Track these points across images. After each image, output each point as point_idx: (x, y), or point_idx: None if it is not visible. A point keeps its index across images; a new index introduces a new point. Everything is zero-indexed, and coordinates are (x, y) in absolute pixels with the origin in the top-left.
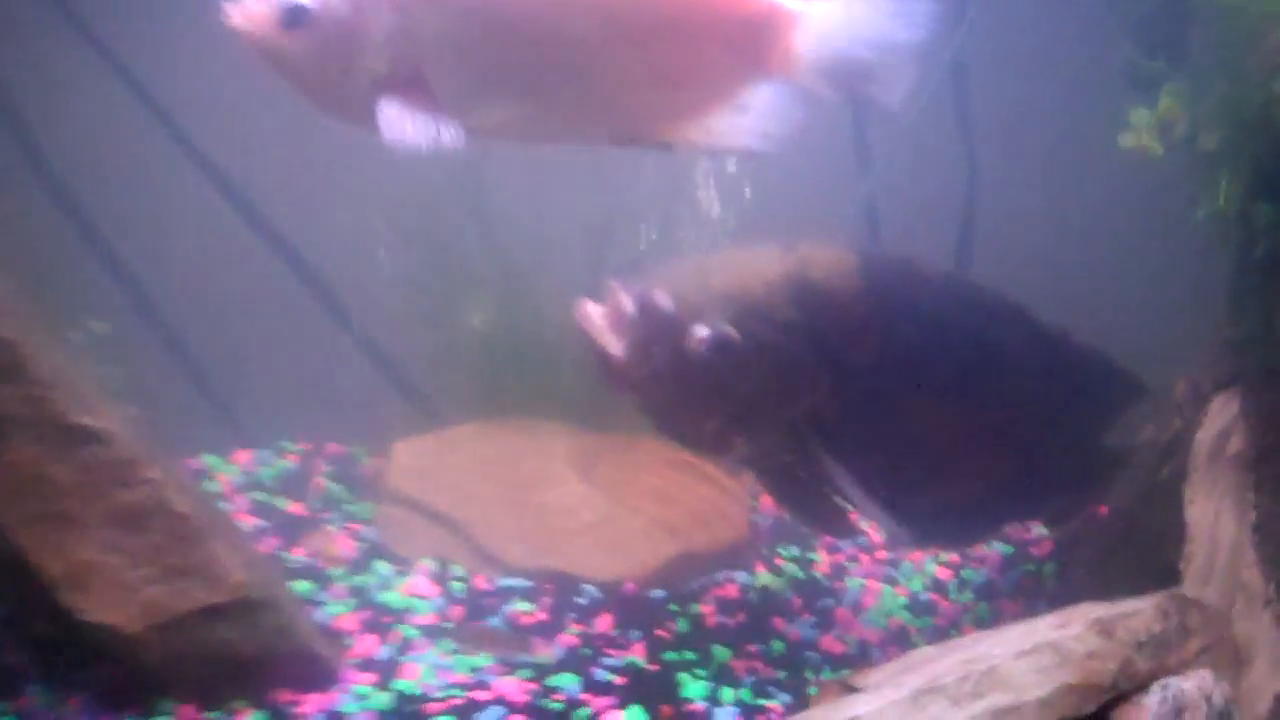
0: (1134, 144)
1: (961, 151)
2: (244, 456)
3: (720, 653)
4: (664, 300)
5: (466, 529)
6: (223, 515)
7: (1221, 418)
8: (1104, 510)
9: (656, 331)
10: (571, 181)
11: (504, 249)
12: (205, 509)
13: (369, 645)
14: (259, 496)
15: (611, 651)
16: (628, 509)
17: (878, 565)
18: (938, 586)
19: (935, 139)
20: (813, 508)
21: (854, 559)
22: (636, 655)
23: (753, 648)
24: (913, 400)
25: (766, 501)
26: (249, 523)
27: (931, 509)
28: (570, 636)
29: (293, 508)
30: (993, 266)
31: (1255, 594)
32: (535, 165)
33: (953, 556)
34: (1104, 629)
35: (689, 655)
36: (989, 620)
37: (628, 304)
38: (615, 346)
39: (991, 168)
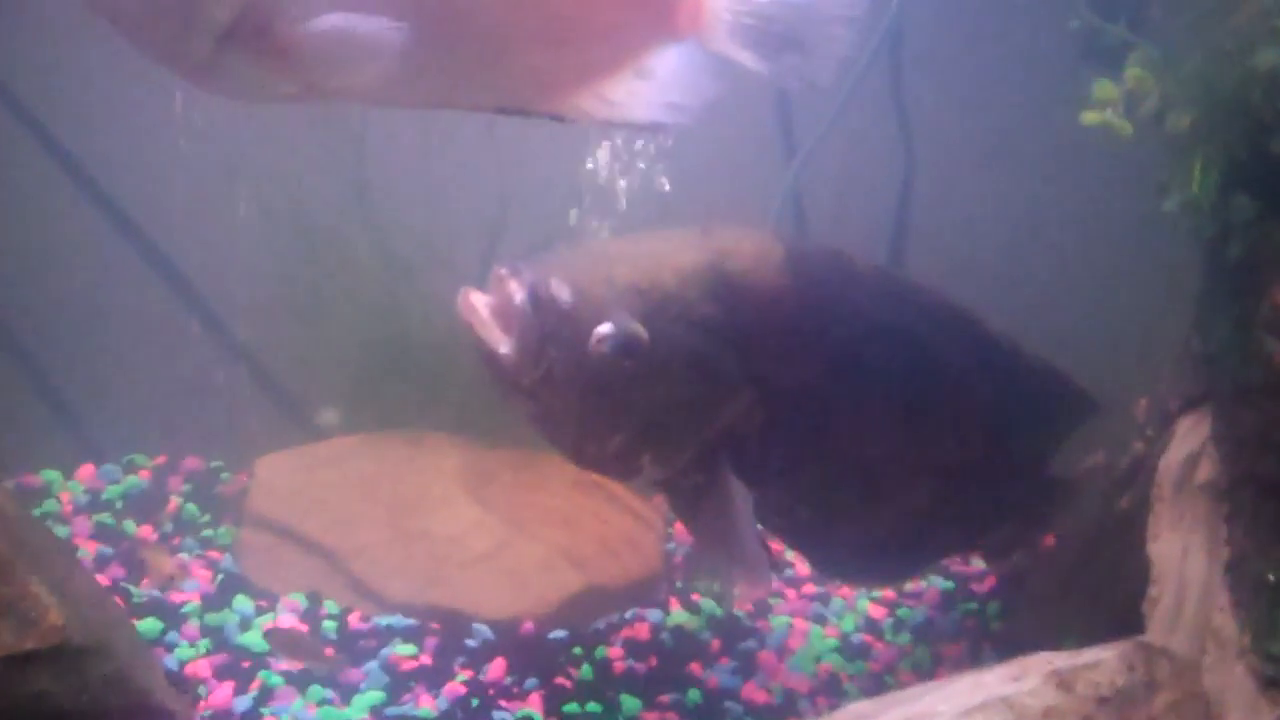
0: (1099, 121)
1: (896, 133)
2: (88, 472)
3: (629, 704)
4: (560, 291)
5: (341, 558)
6: (53, 542)
7: (1189, 441)
8: (1051, 542)
9: (551, 328)
10: (465, 160)
11: (388, 234)
12: (25, 535)
13: (224, 695)
14: (104, 519)
15: (505, 703)
16: (526, 536)
17: (804, 601)
18: (871, 627)
19: (868, 118)
20: (729, 537)
21: (778, 594)
22: (533, 708)
23: (666, 698)
24: (843, 415)
25: (681, 528)
26: (90, 549)
27: (861, 539)
28: (457, 685)
29: (142, 531)
30: (930, 265)
31: (1228, 642)
32: (425, 140)
33: (887, 593)
34: (1063, 682)
35: (593, 708)
36: (928, 666)
37: (518, 295)
38: (503, 344)
39: (931, 152)
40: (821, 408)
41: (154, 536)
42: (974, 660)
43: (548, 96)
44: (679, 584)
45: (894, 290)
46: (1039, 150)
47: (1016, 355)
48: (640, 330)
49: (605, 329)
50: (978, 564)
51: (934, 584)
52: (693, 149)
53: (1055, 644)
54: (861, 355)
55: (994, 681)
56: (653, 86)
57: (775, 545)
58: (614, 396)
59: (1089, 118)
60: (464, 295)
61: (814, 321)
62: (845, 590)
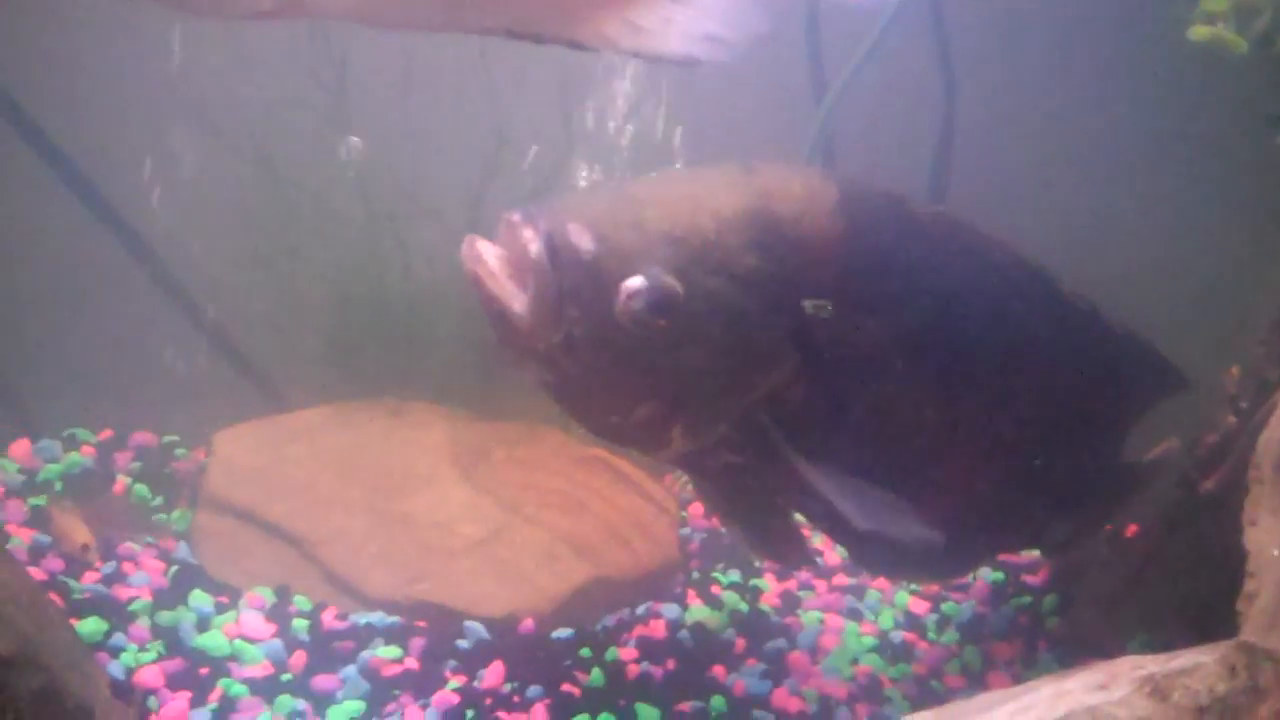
0: (1207, 37)
1: (937, 70)
2: (23, 449)
3: (646, 714)
4: (582, 240)
5: (312, 546)
6: None
7: None
8: (1113, 531)
9: (571, 283)
10: (454, 94)
11: (367, 175)
12: None
13: (178, 708)
14: (39, 502)
15: (504, 715)
16: (524, 520)
17: (837, 595)
18: (913, 623)
19: (906, 53)
20: (761, 524)
21: (808, 586)
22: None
23: (686, 706)
24: (897, 386)
25: (696, 511)
26: (23, 538)
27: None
28: (448, 694)
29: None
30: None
31: None
32: (409, 68)
33: (930, 585)
34: (1156, 690)
35: (606, 718)
36: (979, 668)
37: (533, 245)
38: (516, 302)
39: (977, 86)
40: (873, 378)
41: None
42: (1029, 662)
43: (567, 19)
44: (697, 574)
45: (959, 241)
46: (1108, 83)
47: (1095, 321)
48: (675, 284)
49: (635, 283)
50: (1030, 552)
51: (981, 575)
52: (710, 87)
53: (1121, 644)
54: (921, 317)
55: (1077, 690)
56: (691, 14)
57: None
58: (644, 361)
59: (1198, 33)
60: (469, 244)
61: (871, 276)
62: (881, 581)
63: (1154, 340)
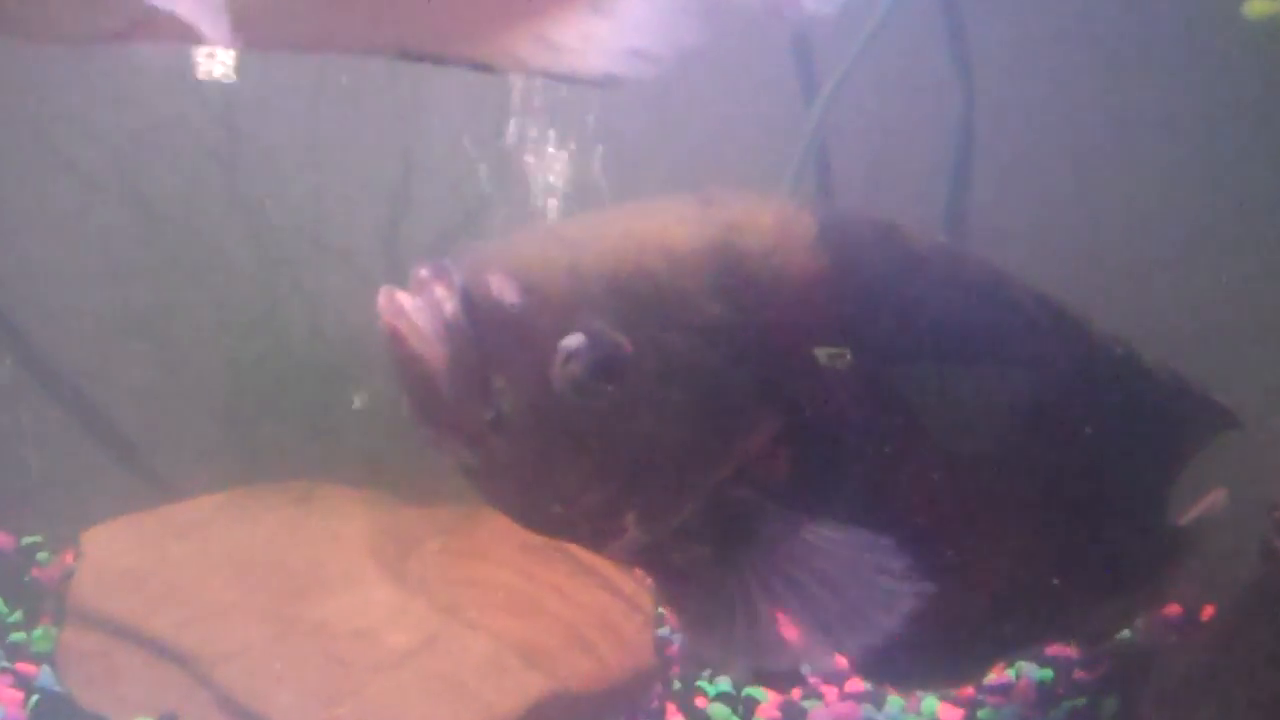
0: (1267, 12)
1: (951, 67)
2: None
3: None
4: (506, 292)
5: (206, 666)
6: None
7: None
8: (1175, 613)
9: (495, 346)
10: (359, 124)
11: (262, 215)
12: None
13: None
14: None
15: None
16: (464, 625)
17: (850, 704)
18: None
19: (914, 46)
20: (738, 631)
21: (814, 694)
22: None
23: None
24: (898, 454)
25: None
26: None
27: (918, 624)
28: None
29: None
30: (999, 243)
31: None
32: (310, 103)
33: (963, 688)
34: None
35: None
36: None
37: (447, 302)
38: (437, 367)
39: (996, 95)
40: (868, 445)
41: None
42: None
43: (471, 37)
44: (678, 683)
45: (968, 279)
46: (1149, 82)
47: (1130, 365)
48: (622, 341)
49: (573, 342)
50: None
51: (1026, 673)
52: (674, 98)
53: None
54: (923, 369)
55: None
56: (613, 27)
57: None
58: (589, 437)
59: (1255, 8)
60: (385, 296)
61: (861, 324)
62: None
63: (1197, 375)
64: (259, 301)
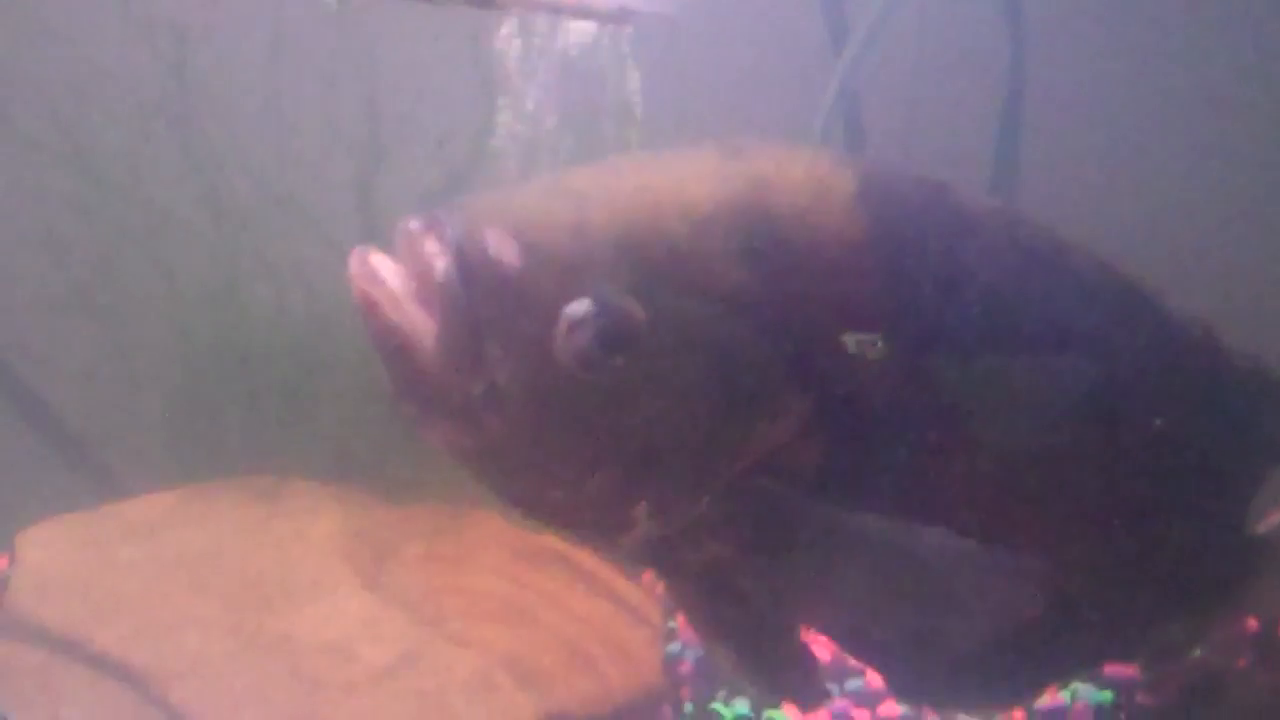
0: None
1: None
2: None
3: None
4: (508, 251)
5: (158, 684)
6: None
7: None
8: (1252, 631)
9: (492, 311)
10: (330, 70)
11: (218, 170)
12: None
13: None
14: None
15: None
16: (449, 639)
17: None
18: None
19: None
20: (760, 643)
21: (842, 717)
22: None
23: None
24: (944, 444)
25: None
26: None
27: (968, 641)
28: None
29: None
30: (1049, 207)
31: None
32: (273, 47)
33: (1014, 713)
34: None
35: None
36: None
37: (439, 260)
38: (420, 337)
39: (1047, 51)
40: (911, 435)
41: None
42: None
43: None
44: (690, 705)
45: (1028, 248)
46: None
47: (1209, 349)
48: (634, 310)
49: (579, 309)
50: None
51: (1082, 695)
52: (692, 38)
53: None
54: (976, 352)
55: None
56: None
57: (820, 645)
58: (594, 415)
59: None
60: (359, 259)
61: (905, 296)
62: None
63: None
64: (217, 272)
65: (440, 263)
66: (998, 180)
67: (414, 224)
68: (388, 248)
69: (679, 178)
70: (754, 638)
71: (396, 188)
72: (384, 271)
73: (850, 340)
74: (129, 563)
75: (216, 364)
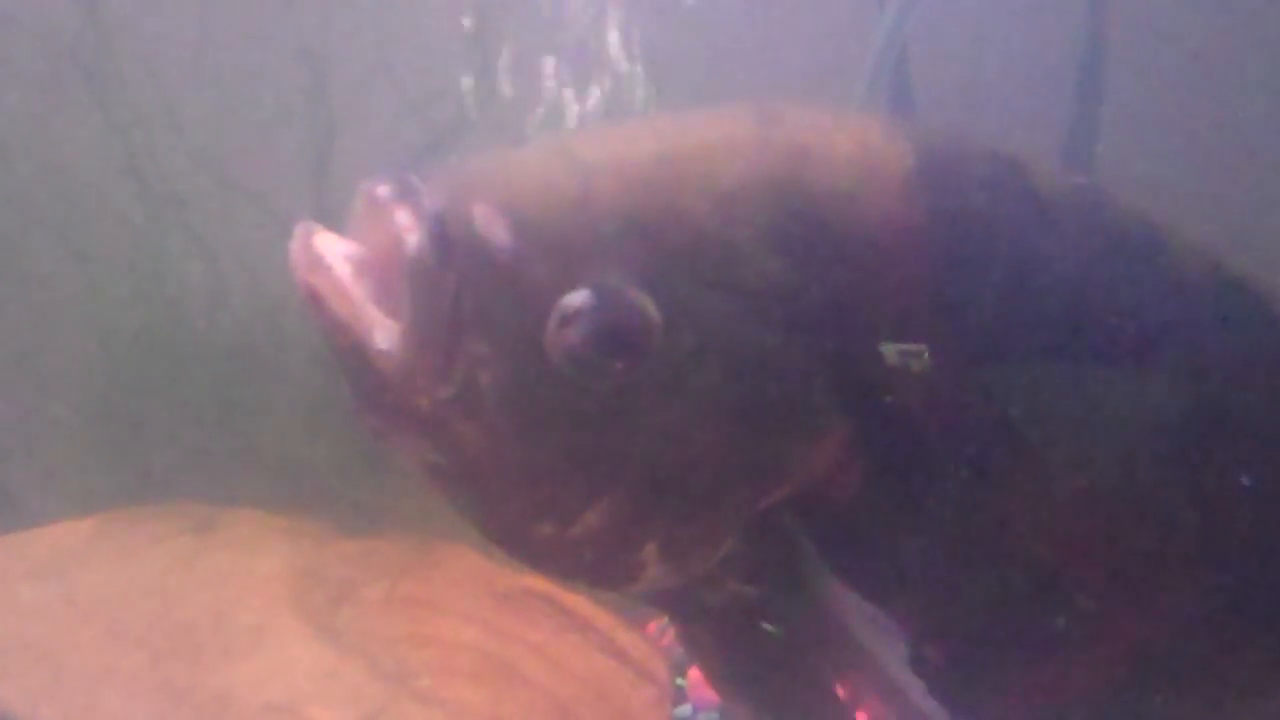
0: None
1: None
2: None
3: None
4: (495, 228)
5: None
6: None
7: None
8: None
9: (477, 300)
10: (280, 22)
11: (146, 145)
12: None
13: None
14: None
15: None
16: (414, 698)
17: None
18: None
19: None
20: (787, 702)
21: None
22: None
23: None
24: (1017, 470)
25: (698, 677)
26: None
27: (1052, 703)
28: None
29: None
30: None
31: None
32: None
33: None
34: None
35: None
36: None
37: (411, 235)
38: (384, 332)
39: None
40: (973, 460)
41: None
42: None
43: None
44: None
45: (1118, 237)
46: None
47: None
48: (643, 303)
49: (576, 300)
50: None
51: None
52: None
53: None
54: (1055, 362)
55: None
56: None
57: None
58: (593, 431)
59: None
60: (302, 239)
61: (971, 293)
62: None
63: None
64: (143, 258)
65: (412, 238)
66: (1073, 149)
67: (381, 189)
68: (341, 225)
69: (704, 147)
70: (783, 697)
71: (360, 155)
72: (331, 256)
73: (894, 351)
74: (36, 605)
75: (141, 366)
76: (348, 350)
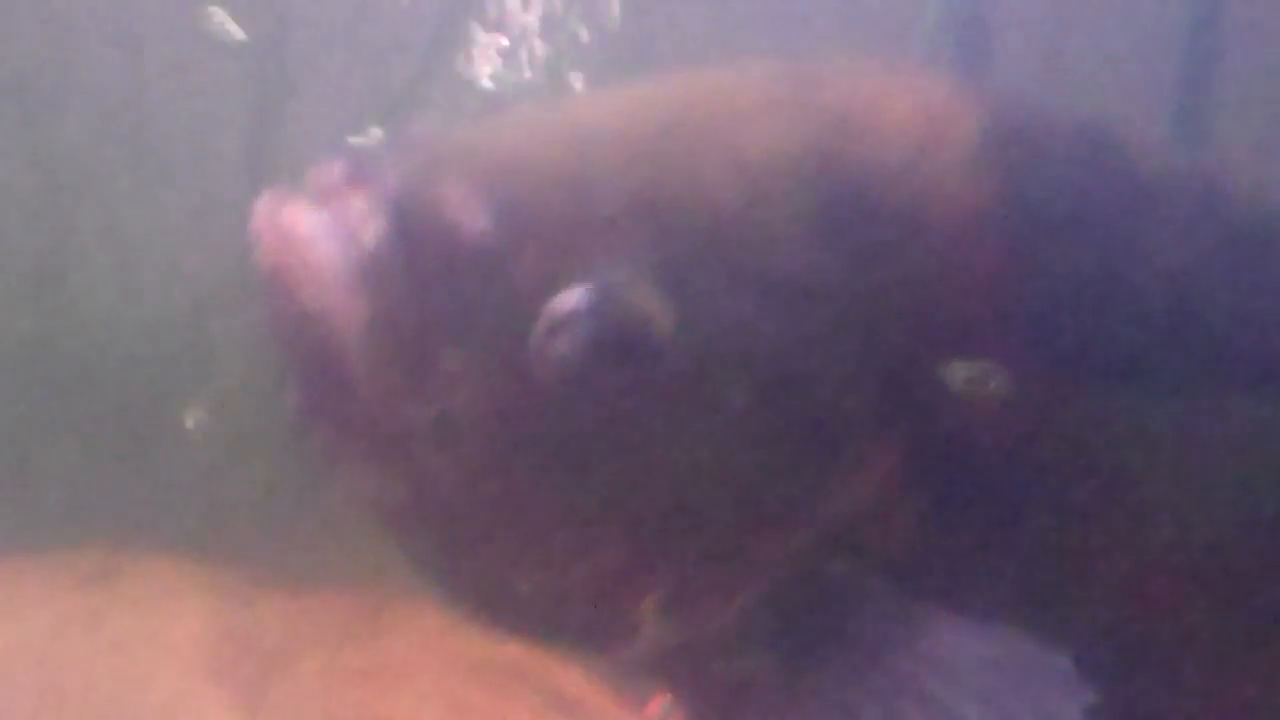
0: None
1: None
2: None
3: None
4: (470, 213)
5: None
6: None
7: None
8: None
9: (450, 300)
10: None
11: (40, 105)
12: None
13: None
14: None
15: None
16: None
17: None
18: None
19: None
20: None
21: None
22: None
23: None
24: (1110, 518)
25: None
26: None
27: None
28: None
29: None
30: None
31: None
32: None
33: None
34: None
35: None
36: None
37: (371, 222)
38: (345, 326)
39: None
40: (1052, 502)
41: None
42: None
43: None
44: None
45: (1234, 226)
46: None
47: None
48: (650, 304)
49: (568, 301)
50: None
51: None
52: None
53: None
54: (1154, 382)
55: None
56: None
57: None
58: (588, 459)
59: None
60: (268, 209)
61: (1053, 294)
62: None
63: None
64: (35, 245)
65: (373, 225)
66: (1182, 121)
67: (335, 169)
68: (299, 197)
69: (729, 114)
70: None
71: (309, 120)
72: (311, 230)
73: (957, 367)
74: None
75: (32, 377)
76: (312, 346)
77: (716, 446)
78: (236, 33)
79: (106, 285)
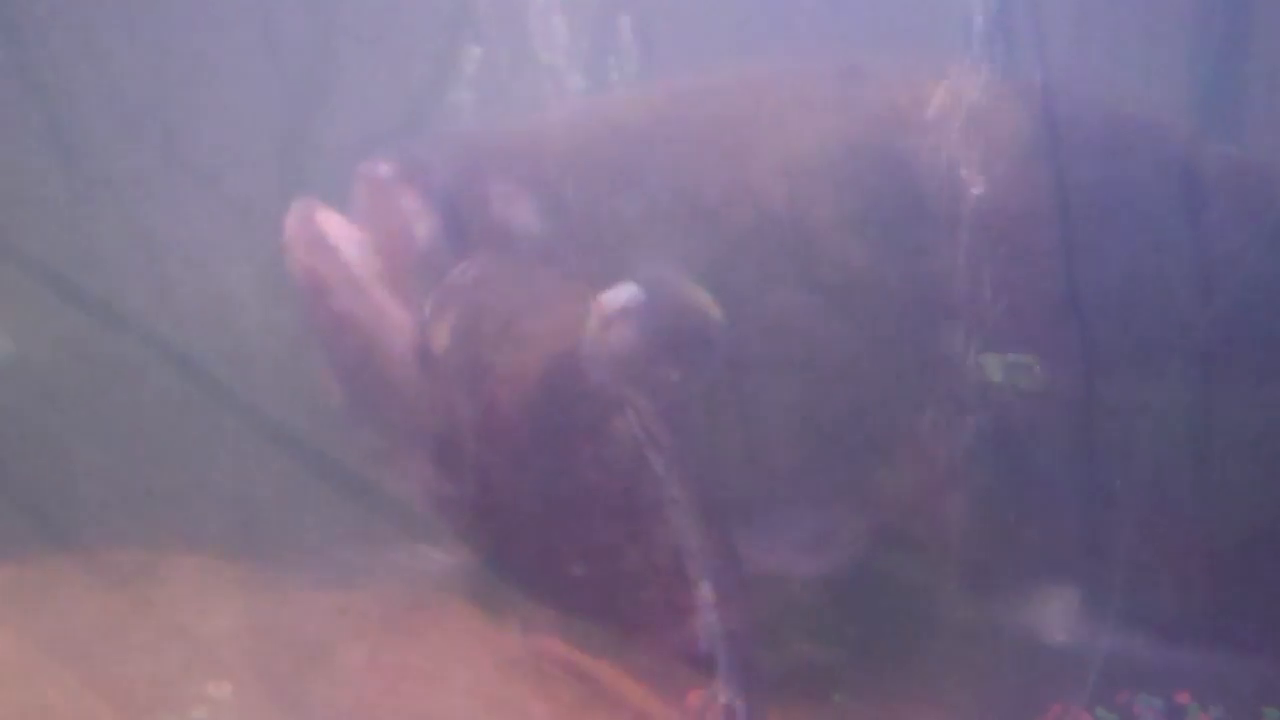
0: None
1: None
2: None
3: None
4: (518, 210)
5: None
6: None
7: None
8: None
9: (504, 295)
10: None
11: (70, 117)
12: None
13: None
14: None
15: None
16: None
17: None
18: None
19: None
20: None
21: None
22: None
23: None
24: (1172, 515)
25: None
26: None
27: None
28: None
29: None
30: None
31: None
32: None
33: None
34: None
35: None
36: None
37: (423, 220)
38: (399, 328)
39: None
40: (1108, 498)
41: None
42: None
43: None
44: None
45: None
46: None
47: None
48: (701, 300)
49: (620, 296)
50: None
51: None
52: None
53: None
54: (1213, 373)
55: None
56: None
57: None
58: (640, 447)
59: None
60: (299, 219)
61: (1112, 287)
62: None
63: None
64: (67, 247)
65: (423, 225)
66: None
67: (382, 169)
68: (339, 204)
69: (777, 111)
70: None
71: (338, 128)
72: (339, 237)
73: (1000, 363)
74: None
75: (66, 378)
76: (353, 350)
77: (764, 435)
78: None
79: (136, 285)
